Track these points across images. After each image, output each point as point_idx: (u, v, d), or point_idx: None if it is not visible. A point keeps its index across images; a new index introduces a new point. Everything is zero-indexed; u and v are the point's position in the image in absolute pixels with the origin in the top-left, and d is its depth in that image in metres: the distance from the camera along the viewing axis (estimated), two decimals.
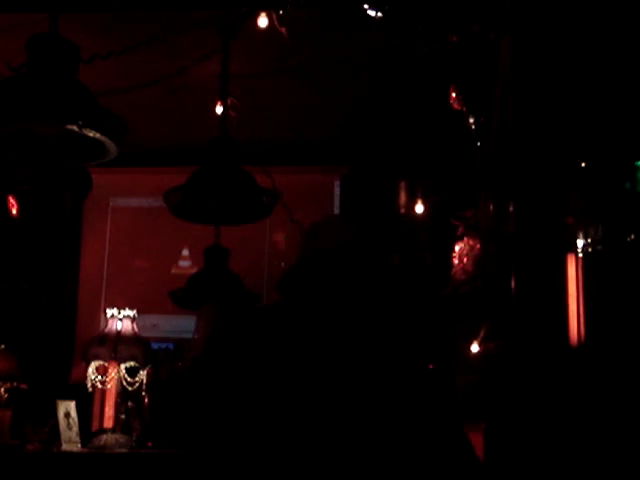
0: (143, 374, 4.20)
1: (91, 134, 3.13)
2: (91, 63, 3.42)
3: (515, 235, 3.02)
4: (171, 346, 5.98)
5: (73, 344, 6.81)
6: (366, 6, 3.71)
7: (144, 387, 4.21)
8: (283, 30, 3.96)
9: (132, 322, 4.31)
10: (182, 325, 6.49)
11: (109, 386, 4.16)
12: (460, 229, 4.80)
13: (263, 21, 4.05)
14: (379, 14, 3.69)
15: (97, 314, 6.84)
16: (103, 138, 3.18)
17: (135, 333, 4.29)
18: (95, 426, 4.26)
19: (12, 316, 6.03)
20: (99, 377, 4.15)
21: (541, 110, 2.97)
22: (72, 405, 4.08)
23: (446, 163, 5.44)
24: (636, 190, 2.87)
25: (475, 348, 4.24)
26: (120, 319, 4.28)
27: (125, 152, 3.38)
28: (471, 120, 4.09)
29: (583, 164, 2.93)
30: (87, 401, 4.21)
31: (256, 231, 6.26)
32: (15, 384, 4.70)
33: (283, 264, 7.07)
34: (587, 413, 2.76)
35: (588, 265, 2.85)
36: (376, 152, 6.51)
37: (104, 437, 4.04)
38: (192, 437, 3.81)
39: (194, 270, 6.23)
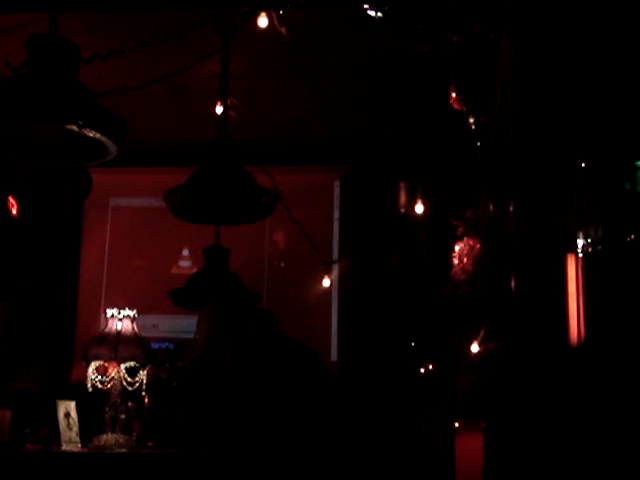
0: (143, 374, 4.19)
1: (91, 134, 3.13)
2: (91, 63, 3.42)
3: (515, 235, 3.02)
4: (171, 346, 5.98)
5: (73, 344, 6.81)
6: (366, 6, 3.71)
7: (144, 387, 4.21)
8: (283, 30, 3.96)
9: (132, 322, 4.30)
10: (182, 325, 6.49)
11: (109, 386, 4.15)
12: (460, 229, 4.81)
13: (263, 21, 4.05)
14: (379, 14, 3.69)
15: (97, 314, 6.84)
16: (103, 138, 3.18)
17: (135, 333, 4.28)
18: (95, 426, 4.26)
19: (12, 316, 6.03)
20: (99, 377, 4.14)
21: (541, 110, 2.97)
22: (72, 405, 4.07)
23: (446, 163, 5.44)
24: (636, 190, 2.87)
25: (475, 348, 4.24)
26: (120, 319, 4.27)
27: (125, 152, 3.38)
28: (471, 120, 4.09)
29: (583, 164, 2.93)
30: (87, 401, 4.21)
31: (256, 231, 6.27)
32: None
33: (283, 264, 7.08)
34: (587, 413, 2.76)
35: (588, 265, 2.85)
36: (376, 152, 6.51)
37: (104, 437, 4.04)
38: (191, 437, 3.81)
39: (194, 270, 6.23)
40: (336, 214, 7.07)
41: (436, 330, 5.56)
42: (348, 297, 6.75)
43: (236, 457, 3.65)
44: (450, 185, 5.24)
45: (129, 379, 4.13)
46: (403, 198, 6.26)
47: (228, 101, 4.51)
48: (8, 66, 3.20)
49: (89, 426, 4.13)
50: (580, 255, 2.87)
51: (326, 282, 5.23)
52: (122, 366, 4.13)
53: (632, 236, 2.83)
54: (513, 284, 3.04)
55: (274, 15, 3.99)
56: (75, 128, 3.08)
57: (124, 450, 3.98)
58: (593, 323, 2.82)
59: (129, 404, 4.21)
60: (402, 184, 6.28)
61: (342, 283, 6.59)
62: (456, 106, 4.08)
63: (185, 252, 7.07)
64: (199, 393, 3.92)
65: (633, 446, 2.69)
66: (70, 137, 3.28)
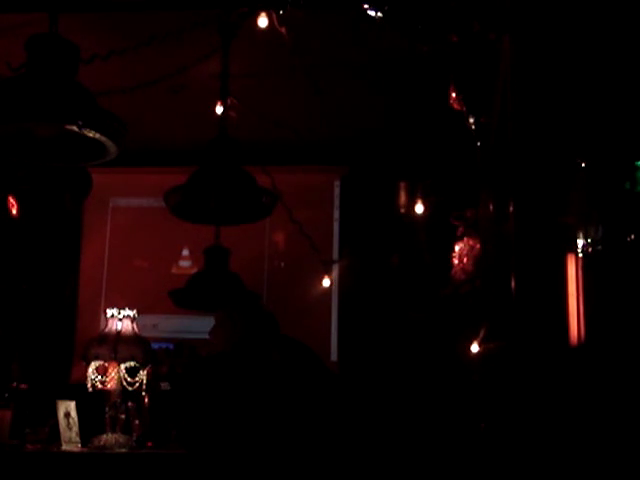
0: (143, 374, 4.20)
1: (91, 134, 3.13)
2: (91, 63, 3.42)
3: (515, 235, 3.02)
4: (171, 346, 5.99)
5: (73, 344, 6.81)
6: (366, 6, 3.71)
7: (144, 387, 4.21)
8: (283, 30, 3.96)
9: (132, 322, 4.30)
10: (182, 325, 6.50)
11: (109, 386, 4.16)
12: (460, 229, 4.81)
13: (263, 21, 4.04)
14: (379, 14, 3.69)
15: (97, 314, 6.85)
16: (103, 138, 3.18)
17: (135, 333, 4.28)
18: (95, 426, 4.26)
19: (12, 317, 6.03)
20: (99, 377, 4.15)
21: (541, 110, 2.97)
22: (72, 405, 4.08)
23: (446, 163, 5.44)
24: (636, 190, 2.87)
25: (475, 348, 4.24)
26: (120, 319, 4.28)
27: (125, 152, 3.38)
28: (471, 120, 4.09)
29: (583, 164, 2.93)
30: (87, 401, 4.21)
31: (256, 231, 6.27)
32: (15, 384, 4.70)
33: (283, 264, 7.08)
34: (587, 413, 2.76)
35: (588, 265, 2.85)
36: (376, 152, 6.51)
37: (104, 437, 4.04)
38: (192, 437, 3.81)
39: (194, 270, 6.23)
40: (336, 214, 7.07)
41: (436, 330, 5.56)
42: (348, 297, 6.75)
43: (237, 457, 3.65)
44: (450, 185, 5.24)
45: (129, 379, 4.13)
46: (403, 198, 6.27)
47: (228, 101, 4.51)
48: (8, 66, 3.21)
49: (89, 426, 4.14)
50: (580, 255, 2.87)
51: (326, 282, 5.23)
52: (122, 366, 4.14)
53: (632, 236, 2.83)
54: (513, 284, 3.03)
55: (274, 15, 3.99)
56: (75, 128, 3.08)
57: (124, 450, 3.98)
58: (593, 323, 2.82)
59: (129, 404, 4.22)
60: (402, 184, 6.28)
61: (342, 283, 6.59)
62: (456, 106, 4.08)
63: (185, 252, 7.07)
64: (200, 393, 3.92)
65: (633, 446, 2.69)
66: (70, 137, 3.28)
